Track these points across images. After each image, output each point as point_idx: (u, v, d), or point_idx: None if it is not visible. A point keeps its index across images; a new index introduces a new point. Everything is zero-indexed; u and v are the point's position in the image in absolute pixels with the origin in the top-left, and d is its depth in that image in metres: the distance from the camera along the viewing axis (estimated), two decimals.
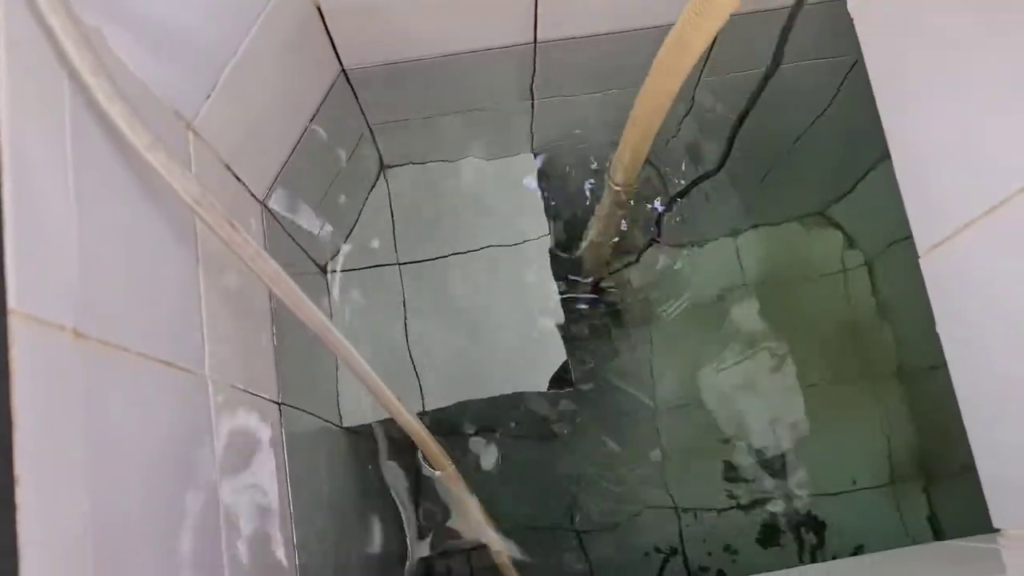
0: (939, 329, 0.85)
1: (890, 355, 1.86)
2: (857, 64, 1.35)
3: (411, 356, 1.46)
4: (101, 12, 0.68)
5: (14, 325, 0.52)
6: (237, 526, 0.87)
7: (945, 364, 1.46)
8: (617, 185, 1.23)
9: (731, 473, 1.83)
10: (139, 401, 0.69)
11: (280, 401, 1.08)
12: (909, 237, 1.65)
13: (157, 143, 0.67)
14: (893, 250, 1.79)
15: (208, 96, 0.90)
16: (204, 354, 0.84)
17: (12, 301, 0.52)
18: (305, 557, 1.07)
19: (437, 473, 1.09)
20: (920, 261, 0.86)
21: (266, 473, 1.00)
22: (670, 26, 1.16)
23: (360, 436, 1.45)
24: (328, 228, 1.37)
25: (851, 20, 0.95)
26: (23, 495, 0.50)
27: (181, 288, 0.81)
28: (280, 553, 1.01)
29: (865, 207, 1.85)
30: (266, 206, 1.11)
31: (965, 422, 0.81)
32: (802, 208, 1.96)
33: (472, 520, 1.13)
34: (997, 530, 0.80)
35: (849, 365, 1.88)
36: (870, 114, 1.47)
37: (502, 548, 1.15)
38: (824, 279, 1.94)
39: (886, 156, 1.66)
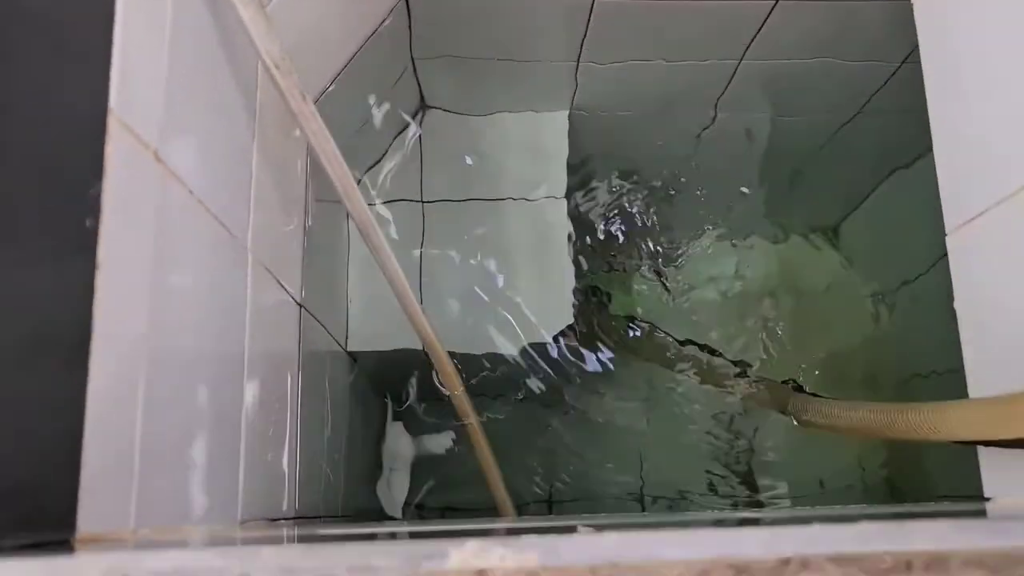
0: (956, 305, 0.88)
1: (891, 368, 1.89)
2: (898, 71, 1.39)
3: (421, 295, 1.48)
4: None
5: (112, 125, 0.54)
6: (253, 410, 0.88)
7: (926, 374, 1.48)
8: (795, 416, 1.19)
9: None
10: (193, 243, 0.70)
11: (301, 303, 1.10)
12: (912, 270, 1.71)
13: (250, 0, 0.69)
14: (896, 277, 1.82)
15: None
16: (248, 225, 0.86)
17: (112, 102, 0.54)
18: (302, 469, 1.09)
19: (449, 392, 1.11)
20: (947, 239, 0.89)
21: (282, 376, 1.01)
22: (721, 2, 1.20)
23: (359, 363, 1.47)
24: (364, 151, 1.39)
25: (901, 18, 0.98)
26: (101, 280, 0.51)
27: (238, 155, 0.83)
28: (283, 458, 1.02)
29: (870, 229, 1.89)
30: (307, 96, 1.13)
31: (969, 387, 0.85)
32: (816, 222, 2.00)
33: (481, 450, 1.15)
34: (987, 499, 0.84)
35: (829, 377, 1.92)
36: (899, 129, 1.51)
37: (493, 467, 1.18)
38: (825, 295, 1.98)
39: (893, 171, 1.71)
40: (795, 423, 1.10)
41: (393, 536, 0.46)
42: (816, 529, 0.38)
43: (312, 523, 1.09)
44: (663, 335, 1.73)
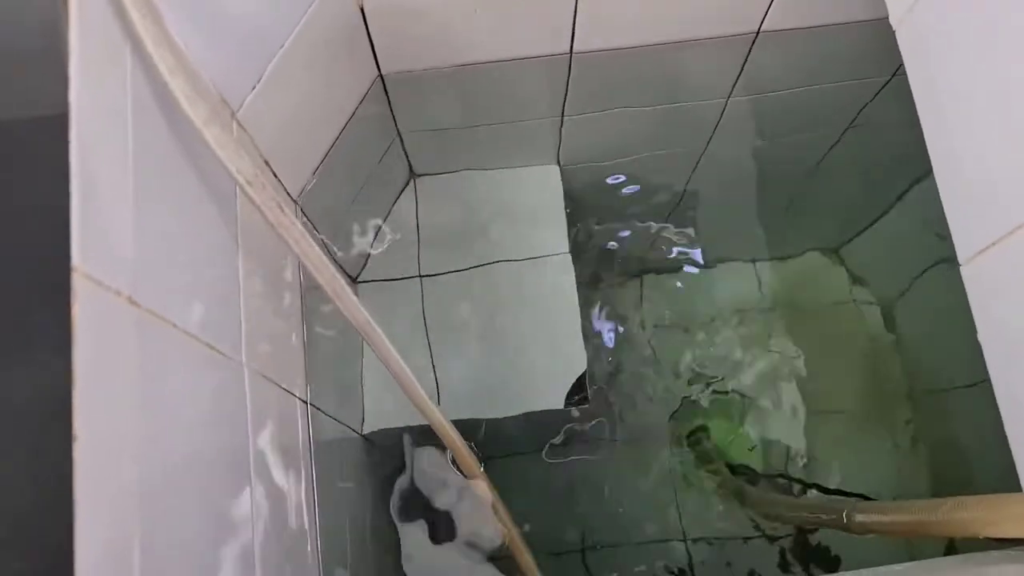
0: (981, 338, 0.84)
1: (900, 384, 1.86)
2: (884, 89, 1.37)
3: (434, 370, 1.46)
4: None
5: (77, 283, 0.52)
6: (268, 524, 0.86)
7: (954, 388, 1.45)
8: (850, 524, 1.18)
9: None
10: (184, 377, 0.68)
11: (308, 401, 1.07)
12: (921, 275, 1.67)
13: (212, 118, 0.67)
14: (907, 287, 1.79)
15: (253, 87, 0.90)
16: (241, 342, 0.83)
17: (76, 259, 0.52)
18: (327, 560, 1.05)
19: (469, 481, 1.07)
20: (962, 270, 0.85)
21: (294, 473, 0.99)
22: (699, 40, 1.18)
23: (375, 445, 1.44)
24: (357, 234, 1.37)
25: (885, 38, 0.96)
26: (80, 451, 0.49)
27: (222, 272, 0.81)
28: (308, 556, 1.00)
29: (878, 246, 1.87)
30: (300, 207, 1.11)
31: (1008, 430, 0.81)
32: (818, 242, 1.98)
33: (501, 524, 1.12)
34: None
35: (860, 394, 1.88)
36: (891, 145, 1.49)
37: (527, 555, 1.14)
38: (836, 311, 1.95)
39: (899, 198, 1.68)
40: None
41: None
42: None
43: None
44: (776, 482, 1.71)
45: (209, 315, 0.75)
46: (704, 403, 1.84)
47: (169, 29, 0.66)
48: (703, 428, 1.81)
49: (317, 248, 0.79)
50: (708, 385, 1.85)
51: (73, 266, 0.52)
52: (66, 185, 0.52)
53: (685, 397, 1.85)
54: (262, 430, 0.87)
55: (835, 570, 1.73)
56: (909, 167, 1.54)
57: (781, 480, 1.74)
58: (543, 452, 1.69)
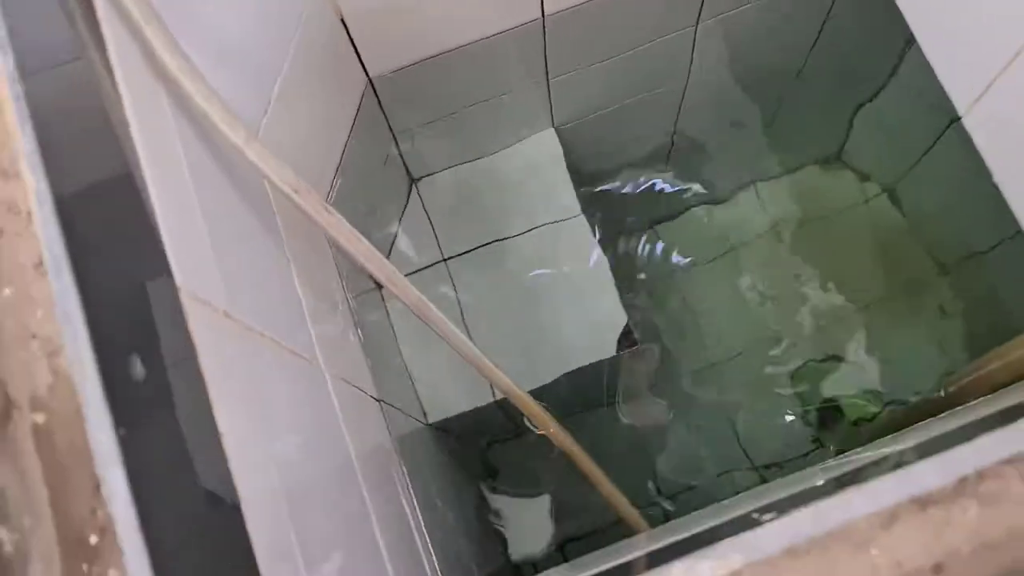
0: (997, 179, 0.89)
1: (926, 262, 1.89)
2: None
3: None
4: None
5: (185, 301, 0.56)
6: (383, 519, 0.90)
7: (983, 251, 1.48)
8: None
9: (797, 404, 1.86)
10: (282, 384, 0.73)
11: (379, 399, 1.12)
12: (922, 157, 1.71)
13: (251, 137, 0.71)
14: (910, 170, 1.83)
15: (265, 113, 0.95)
16: (314, 345, 0.88)
17: (179, 280, 0.57)
18: (437, 555, 1.10)
19: (541, 432, 1.12)
20: (964, 121, 0.90)
21: (388, 469, 1.03)
22: None
23: (445, 432, 1.49)
24: (374, 243, 1.42)
25: None
26: (229, 445, 0.54)
27: (284, 286, 0.86)
28: (420, 553, 1.04)
29: (871, 138, 1.90)
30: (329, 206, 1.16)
31: None
32: (815, 152, 2.01)
33: (586, 472, 1.17)
34: None
35: (889, 281, 1.92)
36: (860, 46, 1.52)
37: (612, 489, 1.19)
38: (847, 212, 1.98)
39: (880, 89, 1.72)
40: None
41: None
42: (984, 440, 0.39)
43: None
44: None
45: (284, 324, 0.80)
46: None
47: (197, 65, 0.71)
48: (836, 408, 1.83)
49: (366, 242, 0.83)
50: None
51: (178, 286, 0.56)
52: (155, 225, 0.56)
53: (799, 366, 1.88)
54: (355, 431, 0.91)
55: None
56: (892, 44, 1.57)
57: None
58: (608, 405, 1.73)
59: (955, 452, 0.41)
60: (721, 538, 0.40)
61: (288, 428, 0.70)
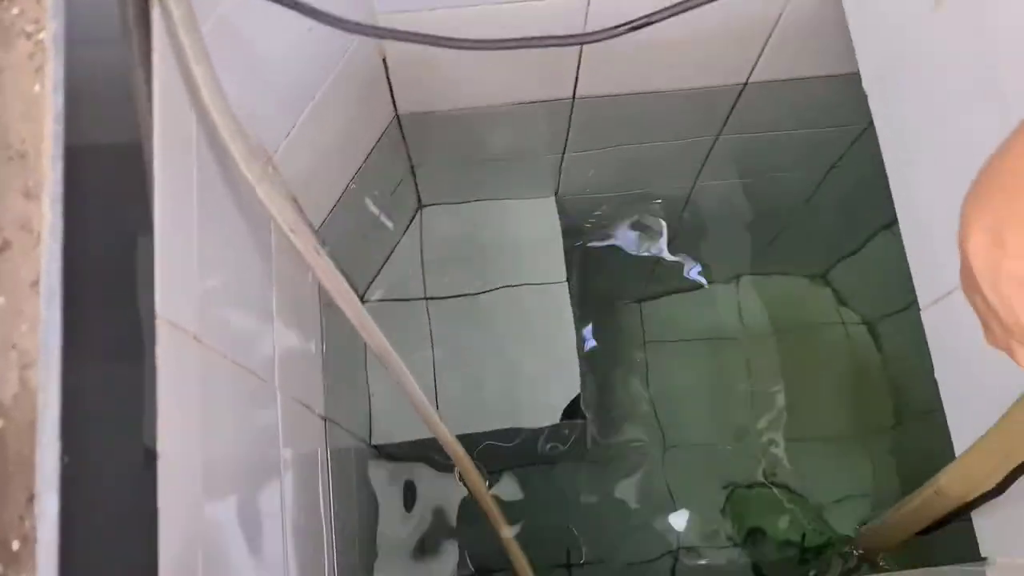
0: (937, 376, 0.94)
1: (886, 407, 1.94)
2: (863, 133, 1.47)
3: (435, 387, 1.55)
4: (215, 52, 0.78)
5: (159, 328, 0.61)
6: (295, 518, 0.95)
7: (939, 409, 1.53)
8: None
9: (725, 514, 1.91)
10: (233, 401, 0.77)
11: (325, 416, 1.16)
12: (908, 307, 1.77)
13: (263, 176, 0.76)
14: (892, 310, 1.88)
15: (287, 135, 1.00)
16: (274, 366, 0.93)
17: (158, 308, 0.61)
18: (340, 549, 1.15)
19: (472, 492, 1.17)
20: (922, 314, 0.95)
21: (314, 479, 1.08)
22: (693, 89, 1.28)
23: (383, 455, 1.53)
24: (368, 258, 1.47)
25: (864, 94, 1.06)
26: (162, 468, 0.58)
27: (260, 304, 0.90)
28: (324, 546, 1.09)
29: (864, 271, 1.96)
30: (318, 237, 1.21)
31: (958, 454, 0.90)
32: (804, 269, 2.07)
33: (503, 535, 1.21)
34: (984, 559, 0.89)
35: (842, 416, 1.97)
36: (872, 183, 1.58)
37: (521, 558, 1.23)
38: (822, 333, 2.03)
39: (886, 226, 1.77)
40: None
41: None
42: None
43: None
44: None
45: (250, 347, 0.85)
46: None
47: (227, 99, 0.76)
48: (759, 530, 1.88)
49: (347, 285, 0.88)
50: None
51: (156, 313, 0.61)
52: (151, 256, 0.61)
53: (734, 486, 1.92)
54: (290, 443, 0.96)
55: None
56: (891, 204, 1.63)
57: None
58: (539, 467, 1.78)
59: None
60: None
61: (227, 440, 0.75)
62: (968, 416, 0.90)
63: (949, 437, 0.94)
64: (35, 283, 0.50)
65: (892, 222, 1.60)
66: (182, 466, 0.62)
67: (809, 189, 1.71)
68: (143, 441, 0.57)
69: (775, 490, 1.88)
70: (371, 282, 1.55)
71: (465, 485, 1.19)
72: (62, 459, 0.46)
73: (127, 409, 0.56)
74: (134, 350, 0.58)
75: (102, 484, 0.51)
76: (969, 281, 0.49)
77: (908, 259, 0.97)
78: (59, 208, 0.50)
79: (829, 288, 2.07)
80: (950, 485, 0.91)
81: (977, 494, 0.89)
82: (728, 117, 1.39)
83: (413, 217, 1.59)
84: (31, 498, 0.47)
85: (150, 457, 0.57)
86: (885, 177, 1.12)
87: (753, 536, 1.86)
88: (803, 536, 1.83)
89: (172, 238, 0.65)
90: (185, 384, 0.65)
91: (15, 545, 0.47)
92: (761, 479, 1.90)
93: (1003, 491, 0.85)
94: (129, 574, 0.54)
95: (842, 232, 1.89)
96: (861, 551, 1.29)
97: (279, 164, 0.99)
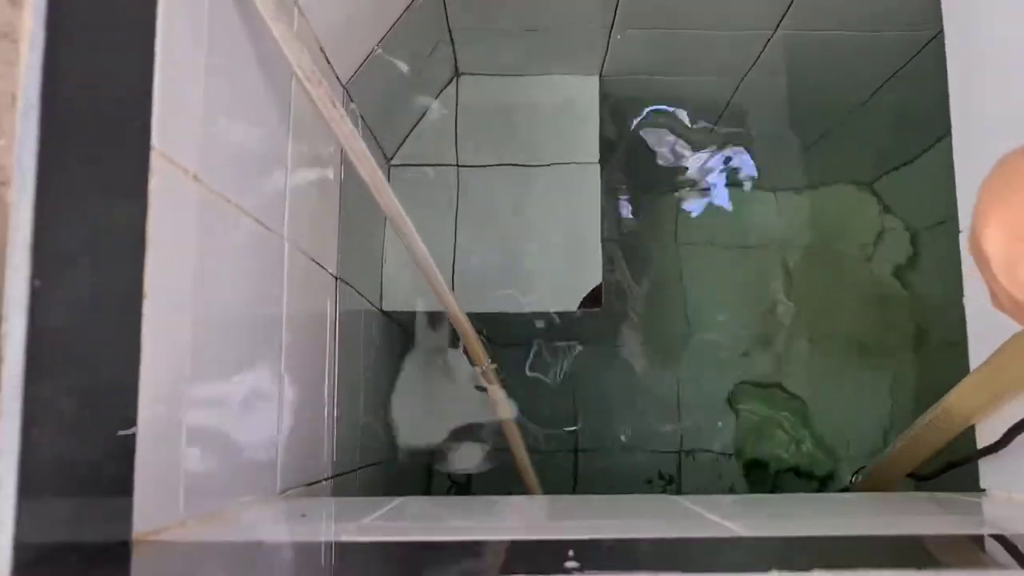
0: (966, 300, 0.90)
1: (909, 329, 1.91)
2: (930, 43, 1.37)
3: (454, 259, 1.53)
4: None
5: (154, 160, 0.59)
6: (291, 387, 0.95)
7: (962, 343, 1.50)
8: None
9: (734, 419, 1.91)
10: (233, 245, 0.76)
11: (337, 276, 1.15)
12: (944, 222, 1.70)
13: (280, 14, 0.72)
14: (930, 230, 1.82)
15: None
16: (284, 218, 0.91)
17: (155, 140, 0.59)
18: (340, 430, 1.16)
19: (476, 368, 1.16)
20: (961, 236, 0.91)
21: (320, 337, 1.08)
22: None
23: (394, 322, 1.54)
24: (399, 121, 1.42)
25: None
26: (148, 308, 0.57)
27: (273, 154, 0.87)
28: (322, 418, 1.09)
29: (910, 187, 1.88)
30: (348, 91, 1.17)
31: None
32: (851, 177, 1.99)
33: (501, 416, 1.21)
34: (983, 490, 0.88)
35: (868, 331, 1.93)
36: (929, 100, 1.49)
37: (523, 451, 1.24)
38: (859, 246, 1.98)
39: (937, 141, 1.69)
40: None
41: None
42: None
43: (351, 480, 1.17)
44: None
45: (259, 193, 0.83)
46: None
47: None
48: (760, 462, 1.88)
49: (362, 143, 0.85)
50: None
51: (152, 145, 0.58)
52: (150, 78, 0.58)
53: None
54: (296, 296, 0.95)
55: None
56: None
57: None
58: (548, 353, 1.78)
59: None
60: (523, 571, 0.44)
61: (223, 287, 0.74)
62: (989, 346, 0.86)
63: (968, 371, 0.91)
64: (13, 100, 0.47)
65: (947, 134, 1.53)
66: (170, 306, 0.61)
67: (864, 96, 1.63)
68: (128, 278, 0.55)
69: (781, 392, 1.88)
70: (400, 144, 1.51)
71: (469, 359, 1.19)
72: (32, 282, 0.45)
73: (112, 243, 0.54)
74: (123, 182, 0.56)
75: (79, 310, 0.50)
76: (980, 259, 0.53)
77: (956, 175, 0.92)
78: (42, 16, 0.47)
79: (875, 198, 2.00)
80: (958, 404, 0.89)
81: (980, 416, 0.87)
82: (790, 7, 1.31)
83: (448, 83, 1.54)
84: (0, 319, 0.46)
85: (134, 292, 0.56)
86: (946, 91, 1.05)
87: (750, 436, 1.87)
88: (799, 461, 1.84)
89: (175, 66, 0.61)
90: (179, 224, 0.63)
91: None
92: (773, 381, 1.89)
93: (1006, 445, 0.83)
94: (104, 398, 0.53)
95: (895, 142, 1.81)
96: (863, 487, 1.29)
97: (305, 8, 0.94)
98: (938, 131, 1.68)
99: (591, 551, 0.50)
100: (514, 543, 0.53)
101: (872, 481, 1.08)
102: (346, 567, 0.49)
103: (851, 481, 1.24)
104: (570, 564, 0.46)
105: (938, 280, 1.82)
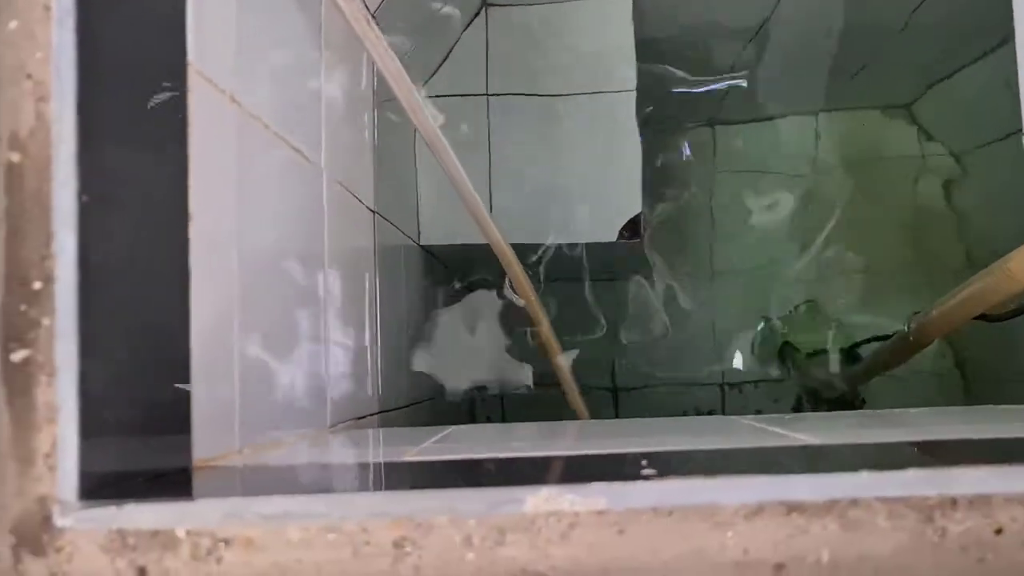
0: None
1: (956, 252, 1.86)
2: None
3: (490, 193, 1.50)
4: None
5: (191, 78, 0.56)
6: (335, 322, 0.93)
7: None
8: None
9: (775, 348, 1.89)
10: (272, 174, 0.74)
11: (375, 209, 1.13)
12: (990, 145, 1.64)
13: None
14: (977, 150, 1.77)
15: None
16: (321, 148, 0.88)
17: (191, 56, 0.56)
18: (384, 367, 1.15)
19: (521, 301, 1.15)
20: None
21: (360, 270, 1.06)
22: None
23: (433, 256, 1.52)
24: (428, 51, 1.39)
25: None
26: (194, 229, 0.55)
27: (308, 80, 0.85)
28: (366, 356, 1.09)
29: (954, 104, 1.82)
30: (374, 18, 1.13)
31: None
32: (888, 101, 1.93)
33: (549, 349, 1.20)
34: None
35: (910, 255, 1.89)
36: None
37: (569, 377, 1.23)
38: (899, 168, 1.93)
39: (987, 53, 1.62)
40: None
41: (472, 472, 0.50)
42: (864, 477, 0.41)
43: (397, 417, 1.17)
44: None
45: (295, 119, 0.80)
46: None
47: None
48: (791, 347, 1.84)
49: (398, 62, 0.82)
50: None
51: (188, 62, 0.56)
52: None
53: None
54: (336, 232, 0.93)
55: None
56: (997, 30, 1.48)
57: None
58: (590, 283, 1.75)
59: (835, 477, 0.42)
60: (598, 478, 0.42)
61: (265, 217, 0.72)
62: None
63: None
64: (48, 7, 0.45)
65: (991, 50, 1.47)
66: (215, 229, 0.60)
67: (904, 16, 1.56)
68: (173, 196, 0.53)
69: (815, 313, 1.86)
70: (430, 77, 1.47)
71: (513, 291, 1.17)
72: (79, 197, 0.43)
73: (154, 160, 0.52)
74: (162, 97, 0.54)
75: (127, 230, 0.48)
76: None
77: (1020, 82, 0.88)
78: None
79: (913, 122, 1.94)
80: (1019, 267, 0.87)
81: None
82: None
83: (477, 13, 1.49)
84: (50, 238, 0.44)
85: (180, 212, 0.54)
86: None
87: (784, 351, 1.84)
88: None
89: None
90: (219, 145, 0.61)
91: (36, 285, 0.45)
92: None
93: None
94: (157, 323, 0.52)
95: (934, 61, 1.75)
96: (912, 339, 1.27)
97: None
98: (984, 46, 1.62)
99: (664, 460, 0.49)
100: (584, 456, 0.52)
101: (933, 324, 1.06)
102: (417, 479, 0.48)
103: (907, 327, 1.21)
104: (647, 471, 0.44)
105: (986, 201, 1.78)
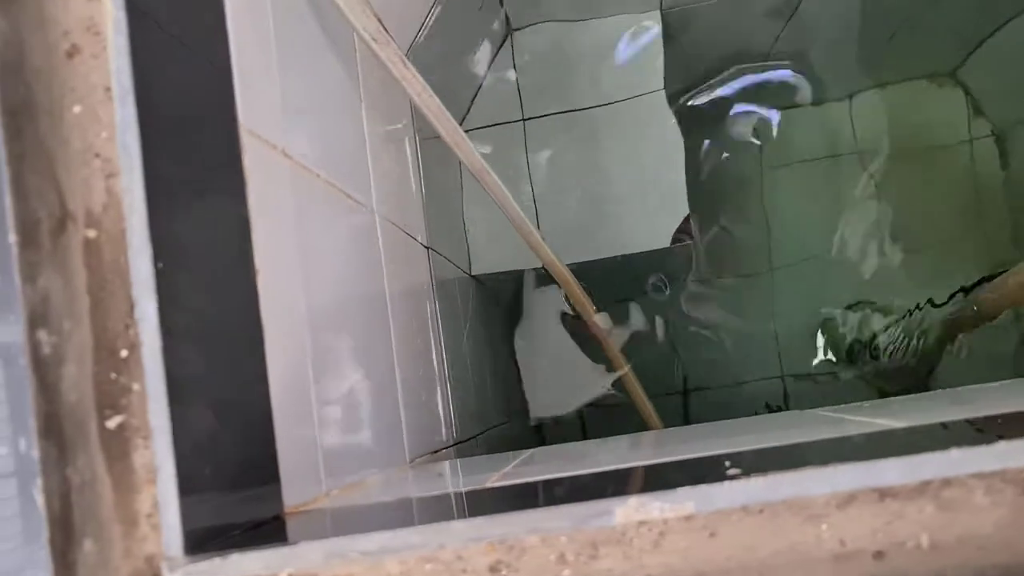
0: None
1: (1007, 236, 1.81)
2: None
3: (536, 216, 1.52)
4: None
5: (243, 137, 0.58)
6: (404, 360, 0.95)
7: None
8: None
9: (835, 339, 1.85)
10: (328, 223, 0.76)
11: (428, 246, 1.15)
12: None
13: None
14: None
15: None
16: (371, 190, 0.90)
17: (241, 117, 0.59)
18: (455, 398, 1.16)
19: (593, 316, 1.15)
20: None
21: (422, 310, 1.08)
22: None
23: (485, 285, 1.53)
24: (460, 87, 1.41)
25: None
26: (262, 283, 0.57)
27: (350, 126, 0.87)
28: (436, 388, 1.10)
29: (1000, 67, 1.78)
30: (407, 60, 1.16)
31: None
32: (929, 68, 1.89)
33: (615, 362, 1.20)
34: None
35: (961, 243, 1.84)
36: None
37: (639, 389, 1.22)
38: (947, 147, 1.88)
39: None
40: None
41: (553, 494, 0.50)
42: (955, 454, 0.41)
43: (471, 447, 1.18)
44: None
45: (343, 166, 0.82)
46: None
47: None
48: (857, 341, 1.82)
49: (437, 99, 0.84)
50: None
51: (239, 123, 0.58)
52: (227, 59, 0.58)
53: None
54: (394, 272, 0.95)
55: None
56: None
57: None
58: (647, 294, 1.75)
59: (924, 457, 0.42)
60: (684, 483, 0.42)
61: (326, 264, 0.74)
62: None
63: None
64: (108, 88, 0.48)
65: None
66: (282, 281, 0.61)
67: None
68: (239, 252, 0.55)
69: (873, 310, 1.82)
70: (466, 113, 1.50)
71: (572, 309, 1.18)
72: (155, 264, 0.45)
73: (218, 221, 0.54)
74: (219, 159, 0.56)
75: (200, 290, 0.50)
76: None
77: None
78: (122, 3, 0.47)
79: (959, 88, 1.89)
80: None
81: None
82: None
83: (503, 43, 1.51)
84: (133, 306, 0.46)
85: (247, 268, 0.56)
86: None
87: (852, 349, 1.80)
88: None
89: (247, 41, 0.61)
90: (276, 198, 0.63)
91: (123, 353, 0.47)
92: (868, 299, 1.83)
93: None
94: (238, 378, 0.54)
95: (976, 21, 1.71)
96: (977, 311, 1.23)
97: None
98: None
99: (747, 459, 0.49)
100: (666, 463, 0.52)
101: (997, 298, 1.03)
102: (503, 503, 0.48)
103: (965, 294, 1.18)
104: (732, 471, 0.44)
105: None
